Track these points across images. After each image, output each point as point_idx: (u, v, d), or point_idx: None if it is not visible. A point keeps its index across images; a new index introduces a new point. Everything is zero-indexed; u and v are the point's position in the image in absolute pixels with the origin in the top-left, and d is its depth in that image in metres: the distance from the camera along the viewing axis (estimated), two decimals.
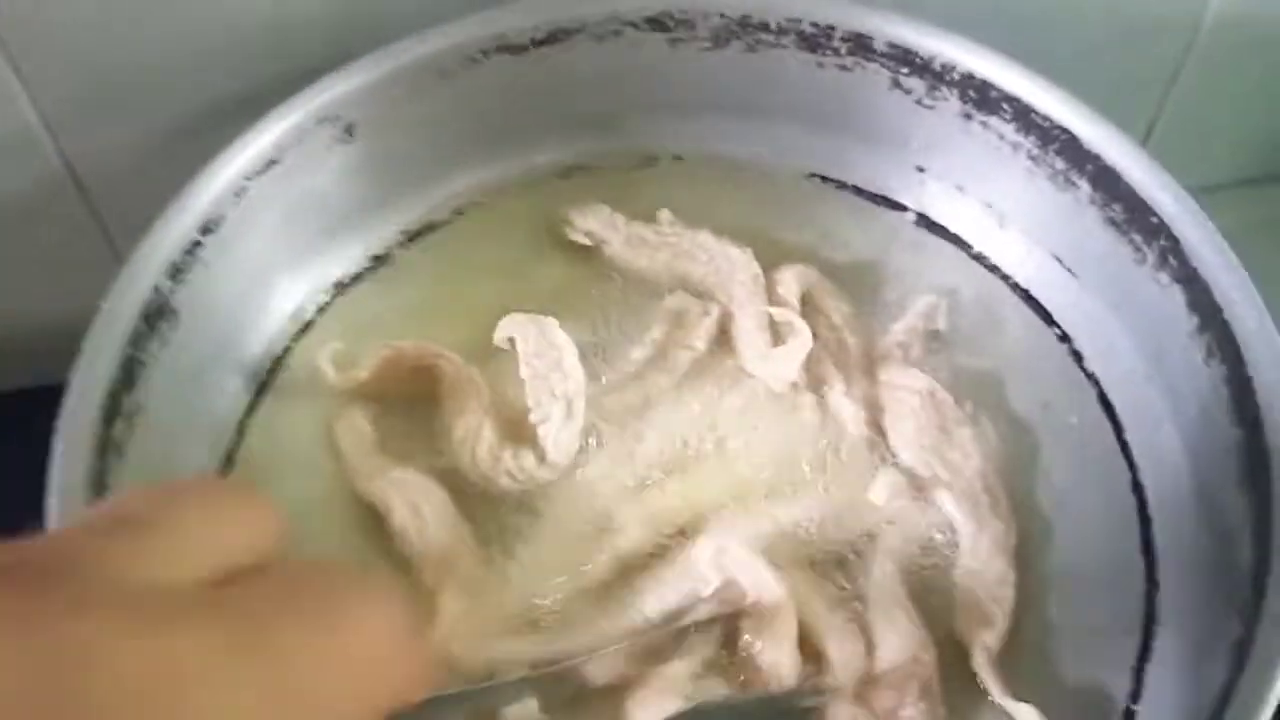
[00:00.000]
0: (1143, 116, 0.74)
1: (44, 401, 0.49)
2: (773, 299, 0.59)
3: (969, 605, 0.53)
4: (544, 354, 0.55)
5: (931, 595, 0.53)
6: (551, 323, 0.56)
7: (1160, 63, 0.71)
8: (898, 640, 0.51)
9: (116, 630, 0.18)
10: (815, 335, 0.57)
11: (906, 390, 0.57)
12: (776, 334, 0.58)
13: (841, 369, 0.58)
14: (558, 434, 0.54)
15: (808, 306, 0.59)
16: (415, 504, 0.53)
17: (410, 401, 0.57)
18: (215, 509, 0.23)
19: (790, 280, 0.60)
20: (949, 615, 0.52)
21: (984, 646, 0.51)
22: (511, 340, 0.56)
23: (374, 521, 0.54)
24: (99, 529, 0.21)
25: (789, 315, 0.58)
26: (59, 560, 0.20)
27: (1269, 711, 0.43)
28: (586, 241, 0.61)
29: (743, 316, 0.59)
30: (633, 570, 0.53)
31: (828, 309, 0.60)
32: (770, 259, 0.60)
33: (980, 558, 0.53)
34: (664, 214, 0.61)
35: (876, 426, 0.57)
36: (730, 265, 0.60)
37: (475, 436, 0.54)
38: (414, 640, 0.25)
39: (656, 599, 0.51)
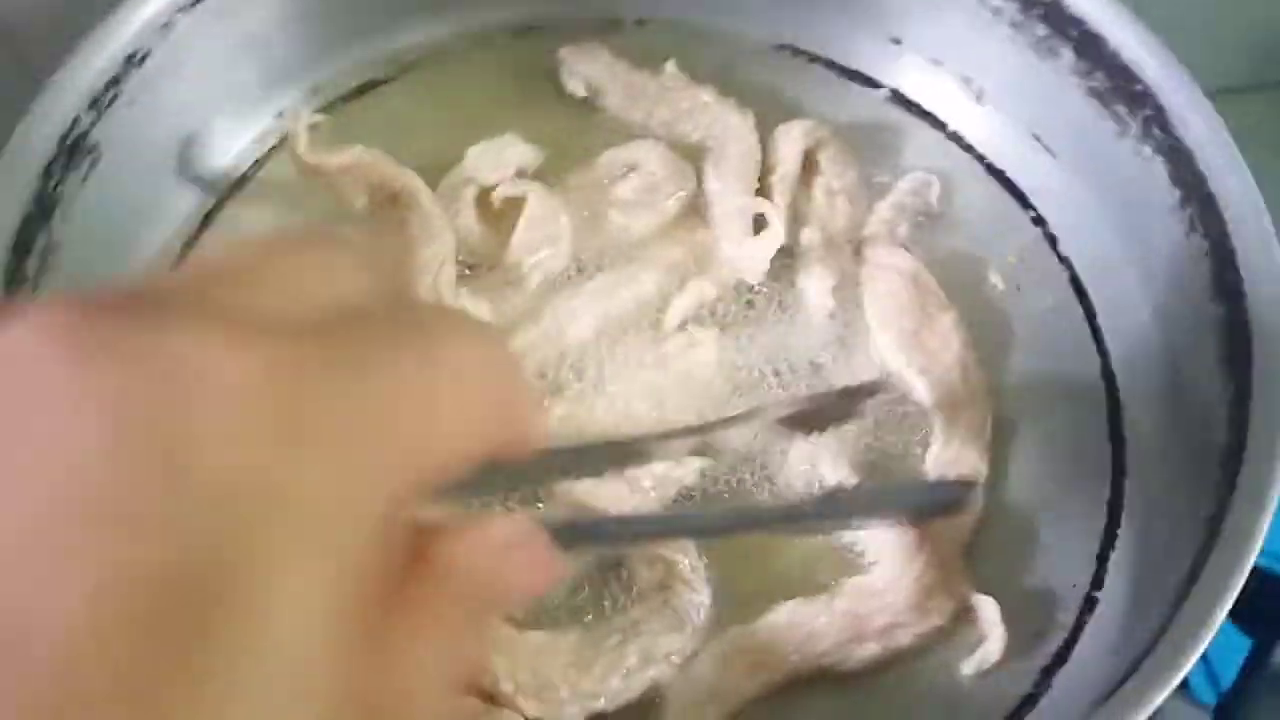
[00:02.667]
0: None
1: None
2: (773, 157, 0.56)
3: None
4: (548, 227, 0.53)
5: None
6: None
7: None
8: (891, 547, 0.48)
9: (215, 342, 0.18)
10: (809, 200, 0.55)
11: (891, 270, 0.54)
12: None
13: (825, 239, 0.55)
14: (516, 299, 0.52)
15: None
16: None
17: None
18: (325, 263, 0.21)
19: (797, 135, 0.56)
20: None
21: (954, 540, 0.49)
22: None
23: None
24: (203, 274, 0.20)
25: (766, 207, 0.54)
26: (157, 293, 0.19)
27: (1235, 591, 0.41)
28: (582, 92, 0.57)
29: (724, 199, 0.55)
30: None
31: (830, 173, 0.56)
32: None
33: (953, 448, 0.51)
34: (670, 65, 0.57)
35: (846, 304, 0.53)
36: (725, 133, 0.56)
37: (439, 267, 0.52)
38: (516, 384, 0.24)
39: None
